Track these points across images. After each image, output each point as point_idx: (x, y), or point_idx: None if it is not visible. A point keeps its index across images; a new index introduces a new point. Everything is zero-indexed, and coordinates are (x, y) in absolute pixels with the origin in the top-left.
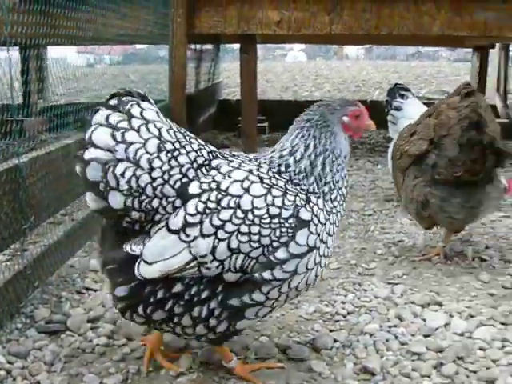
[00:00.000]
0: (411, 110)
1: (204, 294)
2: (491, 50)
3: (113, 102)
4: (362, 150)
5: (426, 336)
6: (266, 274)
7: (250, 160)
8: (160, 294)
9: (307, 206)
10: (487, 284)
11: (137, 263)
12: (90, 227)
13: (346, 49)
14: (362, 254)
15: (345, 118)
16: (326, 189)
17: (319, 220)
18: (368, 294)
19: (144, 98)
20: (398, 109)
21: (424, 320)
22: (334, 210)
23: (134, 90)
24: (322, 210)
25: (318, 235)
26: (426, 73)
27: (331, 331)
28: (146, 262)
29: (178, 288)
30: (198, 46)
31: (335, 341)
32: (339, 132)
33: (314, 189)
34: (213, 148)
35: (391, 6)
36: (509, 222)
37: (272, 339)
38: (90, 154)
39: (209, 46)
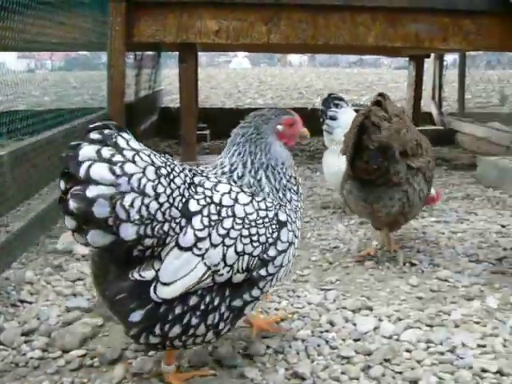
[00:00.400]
0: (347, 120)
1: (216, 301)
2: (427, 60)
3: (95, 136)
4: (301, 157)
5: (355, 340)
6: (263, 271)
7: (222, 173)
8: (178, 310)
9: (282, 207)
10: (416, 288)
11: (152, 287)
12: (26, 239)
13: (289, 56)
14: (298, 261)
15: (279, 127)
16: (281, 195)
17: (291, 218)
18: (301, 300)
19: (120, 128)
20: (334, 118)
21: (355, 324)
22: (297, 208)
23: (110, 122)
24: (291, 209)
25: (293, 232)
26: (367, 80)
27: (264, 338)
28: (163, 283)
29: (194, 300)
30: (139, 54)
31: (268, 347)
32: (274, 141)
33: (272, 199)
34: (188, 166)
35: (327, 17)
36: (440, 227)
37: (205, 347)
38: (92, 191)
39: (150, 53)
